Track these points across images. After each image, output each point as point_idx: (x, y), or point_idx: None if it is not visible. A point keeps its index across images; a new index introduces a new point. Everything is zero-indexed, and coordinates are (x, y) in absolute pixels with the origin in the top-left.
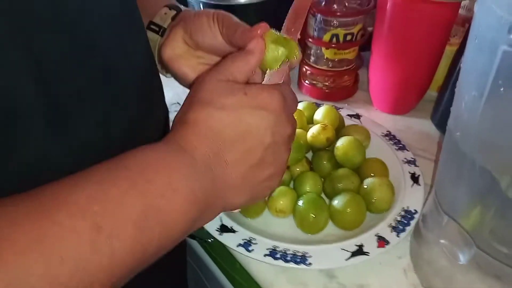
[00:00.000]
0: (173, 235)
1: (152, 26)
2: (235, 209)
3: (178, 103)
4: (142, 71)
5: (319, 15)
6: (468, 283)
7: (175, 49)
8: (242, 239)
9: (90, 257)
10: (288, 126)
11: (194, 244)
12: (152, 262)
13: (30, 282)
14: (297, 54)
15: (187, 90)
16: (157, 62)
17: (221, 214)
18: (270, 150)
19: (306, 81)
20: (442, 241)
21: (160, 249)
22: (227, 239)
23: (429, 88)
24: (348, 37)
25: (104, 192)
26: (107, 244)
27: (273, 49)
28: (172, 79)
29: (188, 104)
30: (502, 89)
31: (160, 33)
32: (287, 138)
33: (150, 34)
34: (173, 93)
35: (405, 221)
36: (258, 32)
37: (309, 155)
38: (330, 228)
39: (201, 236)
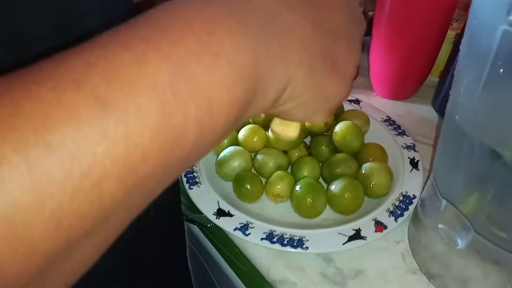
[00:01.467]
0: (217, 122)
1: None
2: (291, 111)
3: None
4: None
5: None
6: (465, 267)
7: None
8: (240, 223)
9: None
10: (361, 25)
11: (194, 229)
12: (185, 169)
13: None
14: None
15: None
16: None
17: (218, 198)
18: (343, 30)
19: None
20: (440, 225)
21: (199, 147)
22: (224, 223)
23: (431, 73)
24: None
25: (109, 57)
26: (116, 129)
27: None
28: None
29: None
30: (501, 70)
31: None
32: (361, 35)
33: None
34: None
35: (403, 206)
36: None
37: (308, 140)
38: (328, 213)
39: (200, 221)
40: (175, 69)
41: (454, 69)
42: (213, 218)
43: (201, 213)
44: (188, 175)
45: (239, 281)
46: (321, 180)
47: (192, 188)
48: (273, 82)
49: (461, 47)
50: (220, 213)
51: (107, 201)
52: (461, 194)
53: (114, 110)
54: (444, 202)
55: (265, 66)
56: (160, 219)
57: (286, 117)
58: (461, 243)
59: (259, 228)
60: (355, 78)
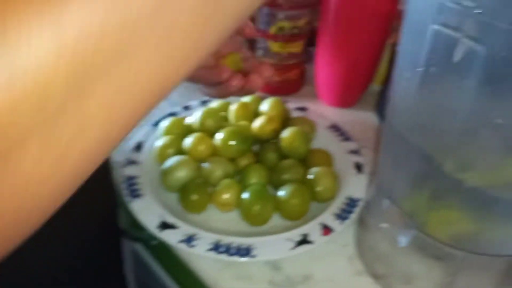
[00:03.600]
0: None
1: None
2: None
3: None
4: None
5: (265, 8)
6: (408, 265)
7: None
8: (184, 235)
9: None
10: None
11: (139, 249)
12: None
13: None
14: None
15: None
16: None
17: (162, 210)
18: None
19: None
20: (384, 225)
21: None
22: (168, 236)
23: (373, 81)
24: (295, 31)
25: None
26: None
27: None
28: None
29: None
30: (434, 68)
31: None
32: None
33: None
34: None
35: (349, 209)
36: None
37: (256, 147)
38: (276, 219)
39: (145, 238)
40: None
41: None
42: (156, 231)
43: (144, 229)
44: (130, 187)
45: None
46: (269, 187)
47: (133, 201)
48: None
49: (398, 49)
50: (164, 225)
51: None
52: (402, 193)
53: None
54: (386, 202)
55: None
56: (95, 236)
57: None
58: (403, 241)
59: (205, 239)
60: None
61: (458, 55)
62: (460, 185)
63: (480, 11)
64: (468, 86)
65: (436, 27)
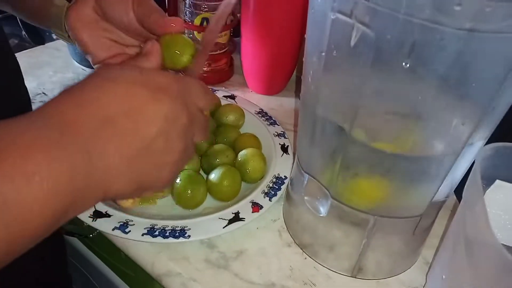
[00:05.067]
0: (28, 234)
1: None
2: (121, 198)
3: (43, 93)
4: None
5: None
6: (329, 232)
7: (82, 16)
8: (118, 222)
9: None
10: (183, 115)
11: (75, 242)
12: (6, 264)
13: None
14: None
15: (53, 79)
16: (65, 30)
17: None
18: (161, 137)
19: None
20: (306, 198)
21: (12, 249)
22: (102, 224)
23: (296, 70)
24: None
25: None
26: None
27: (171, 51)
28: (36, 68)
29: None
30: (334, 52)
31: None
32: (180, 128)
33: (56, 0)
34: (38, 82)
35: (276, 187)
36: (173, 25)
37: None
38: (209, 202)
39: (81, 232)
40: None
41: None
42: (89, 221)
43: (80, 223)
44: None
45: (128, 287)
46: (202, 172)
47: None
48: (93, 190)
49: (306, 36)
50: (97, 215)
51: None
52: (318, 167)
53: None
54: (306, 176)
55: (81, 183)
56: None
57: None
58: (323, 210)
59: (140, 225)
60: (230, 78)
61: (353, 40)
62: (366, 154)
63: None
64: (364, 66)
65: (334, 14)
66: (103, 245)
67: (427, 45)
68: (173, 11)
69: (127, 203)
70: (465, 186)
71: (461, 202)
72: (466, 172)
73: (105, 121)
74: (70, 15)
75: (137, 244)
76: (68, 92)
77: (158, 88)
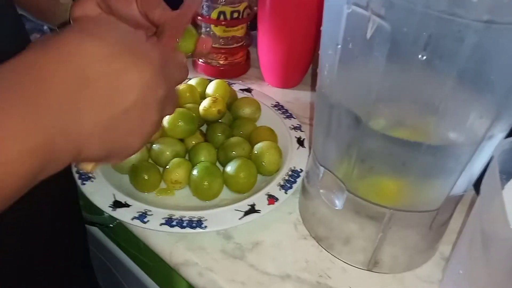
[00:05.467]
0: (2, 193)
1: None
2: (89, 162)
3: None
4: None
5: None
6: (345, 225)
7: (86, 10)
8: (137, 212)
9: None
10: (162, 87)
11: (96, 232)
12: None
13: None
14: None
15: None
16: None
17: (114, 191)
18: (138, 105)
19: (200, 60)
20: (321, 191)
21: None
22: (121, 214)
23: (313, 63)
24: (235, 15)
25: None
26: None
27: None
28: None
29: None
30: (350, 45)
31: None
32: (158, 99)
33: None
34: None
35: (292, 179)
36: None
37: (204, 128)
38: (225, 194)
39: (102, 221)
40: None
41: None
42: (109, 210)
43: (100, 213)
44: (80, 171)
45: (146, 276)
46: (218, 164)
47: (85, 184)
48: (66, 152)
49: (322, 29)
50: (117, 204)
51: None
52: (334, 160)
53: None
54: (322, 169)
55: (58, 141)
56: (59, 221)
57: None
58: (338, 203)
59: (158, 215)
60: (247, 71)
61: (369, 32)
62: (382, 146)
63: None
64: (380, 59)
65: (349, 7)
66: (123, 234)
67: (444, 38)
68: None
69: (88, 166)
70: (483, 180)
71: (479, 197)
72: (485, 166)
73: (83, 81)
74: (74, 11)
75: (156, 234)
76: (45, 44)
77: (142, 55)
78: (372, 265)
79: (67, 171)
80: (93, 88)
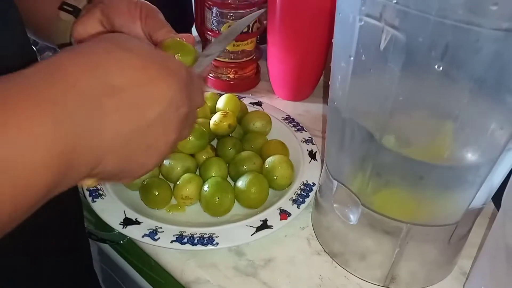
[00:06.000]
0: (31, 196)
1: (66, 7)
2: (102, 177)
3: None
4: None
5: (215, 8)
6: (360, 240)
7: (88, 29)
8: (148, 229)
9: None
10: (185, 105)
11: (108, 250)
12: (7, 229)
13: None
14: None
15: None
16: (72, 44)
17: (125, 207)
18: (161, 120)
19: (210, 74)
20: (335, 205)
21: (16, 212)
22: (132, 231)
23: (323, 75)
24: (245, 29)
25: None
26: None
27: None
28: None
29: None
30: (363, 56)
31: (74, 14)
32: (180, 117)
33: (63, 15)
34: None
35: (305, 194)
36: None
37: (215, 143)
38: (237, 209)
39: (112, 239)
40: None
41: None
42: (119, 228)
43: (111, 230)
44: (91, 188)
45: None
46: (229, 179)
47: (95, 201)
48: (85, 163)
49: (333, 41)
50: (127, 222)
51: None
52: (348, 174)
53: None
54: (336, 183)
55: (79, 150)
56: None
57: (97, 177)
58: (353, 218)
59: (169, 232)
60: (257, 83)
61: (383, 43)
62: (398, 161)
63: (396, 1)
64: (394, 70)
65: (362, 18)
66: (133, 252)
67: (461, 47)
68: (200, 20)
69: (90, 182)
70: (505, 193)
71: (500, 209)
72: (505, 178)
73: (110, 89)
74: (76, 29)
75: (167, 251)
76: (72, 52)
77: (170, 70)
78: (389, 281)
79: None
80: (119, 97)
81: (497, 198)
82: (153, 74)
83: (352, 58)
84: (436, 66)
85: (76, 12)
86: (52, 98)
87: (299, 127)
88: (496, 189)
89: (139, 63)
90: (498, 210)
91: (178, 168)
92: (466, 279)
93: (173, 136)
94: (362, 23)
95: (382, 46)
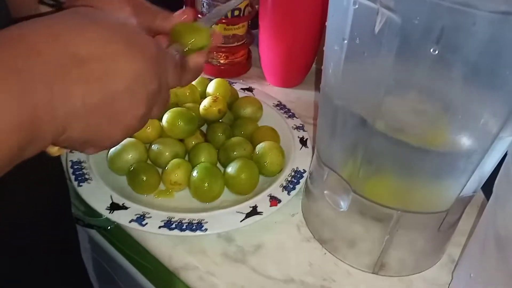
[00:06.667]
0: None
1: (46, 1)
2: (68, 145)
3: None
4: None
5: None
6: (350, 227)
7: None
8: (135, 215)
9: None
10: (154, 82)
11: (94, 234)
12: None
13: None
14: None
15: None
16: None
17: (112, 192)
18: (127, 94)
19: None
20: (325, 192)
21: None
22: (119, 217)
23: (315, 62)
24: (236, 13)
25: None
26: None
27: (186, 39)
28: None
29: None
30: (357, 40)
31: (55, 8)
32: (148, 93)
33: (43, 9)
34: None
35: (295, 180)
36: (185, 16)
37: (204, 128)
38: (226, 195)
39: (99, 224)
40: None
41: None
42: (106, 213)
43: (98, 215)
44: (77, 172)
45: (146, 280)
46: (219, 165)
47: (81, 185)
48: (50, 129)
49: (327, 24)
50: (114, 207)
51: None
52: (339, 160)
53: None
54: (327, 170)
55: (45, 118)
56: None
57: (63, 145)
58: (343, 205)
59: (157, 217)
60: (248, 70)
61: (378, 26)
62: (390, 147)
63: None
64: (389, 54)
65: (356, 2)
66: (121, 238)
67: (457, 30)
68: (190, 3)
69: (53, 149)
70: (496, 181)
71: (491, 198)
72: (496, 167)
73: (75, 60)
74: None
75: (155, 237)
76: (39, 21)
77: (137, 45)
78: (378, 268)
79: (60, 172)
80: (85, 68)
81: (487, 187)
82: (119, 49)
83: (346, 42)
84: (431, 50)
85: (57, 6)
86: (18, 66)
87: (290, 113)
88: (487, 177)
89: (105, 36)
90: (487, 199)
91: (167, 153)
92: (455, 266)
93: (141, 111)
94: (357, 6)
95: (376, 29)
